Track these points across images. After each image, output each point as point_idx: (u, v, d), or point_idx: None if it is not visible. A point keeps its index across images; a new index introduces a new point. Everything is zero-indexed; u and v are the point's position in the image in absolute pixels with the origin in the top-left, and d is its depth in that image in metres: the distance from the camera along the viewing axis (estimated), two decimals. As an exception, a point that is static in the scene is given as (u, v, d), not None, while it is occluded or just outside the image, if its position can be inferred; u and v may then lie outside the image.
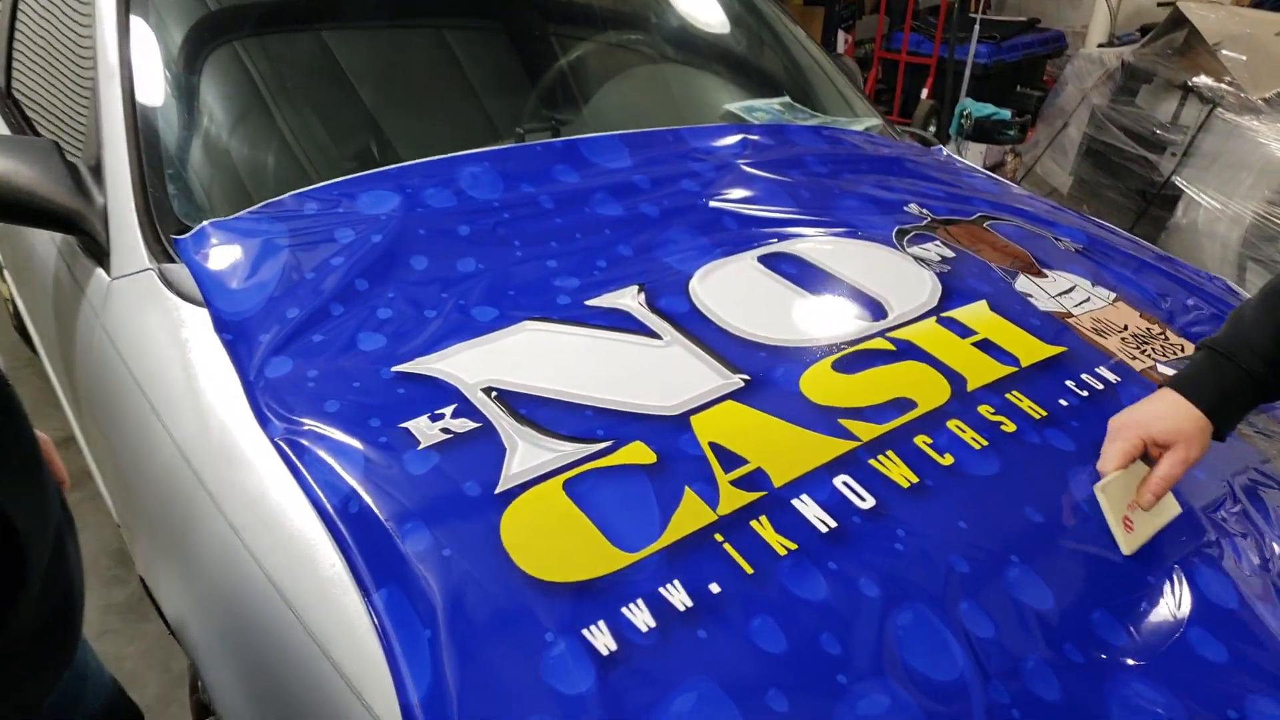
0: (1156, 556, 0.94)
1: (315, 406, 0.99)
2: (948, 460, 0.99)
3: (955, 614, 0.83)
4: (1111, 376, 1.18)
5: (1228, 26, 3.32)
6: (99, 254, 1.32)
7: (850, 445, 0.99)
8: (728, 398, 1.05)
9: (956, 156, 1.99)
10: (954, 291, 1.31)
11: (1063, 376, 1.16)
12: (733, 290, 1.26)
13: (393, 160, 1.44)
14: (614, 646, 0.76)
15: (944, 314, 1.25)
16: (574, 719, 0.72)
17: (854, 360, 1.14)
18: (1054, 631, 0.84)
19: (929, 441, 1.01)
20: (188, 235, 1.26)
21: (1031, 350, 1.20)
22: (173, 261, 1.25)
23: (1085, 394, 1.13)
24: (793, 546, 0.87)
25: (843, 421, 1.03)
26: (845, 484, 0.94)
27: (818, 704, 0.75)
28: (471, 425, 0.97)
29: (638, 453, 0.95)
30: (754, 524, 0.89)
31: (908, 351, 1.16)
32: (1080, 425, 1.08)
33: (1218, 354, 0.96)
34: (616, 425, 0.99)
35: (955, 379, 1.12)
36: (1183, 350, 1.28)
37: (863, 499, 0.93)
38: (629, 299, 1.21)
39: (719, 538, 0.87)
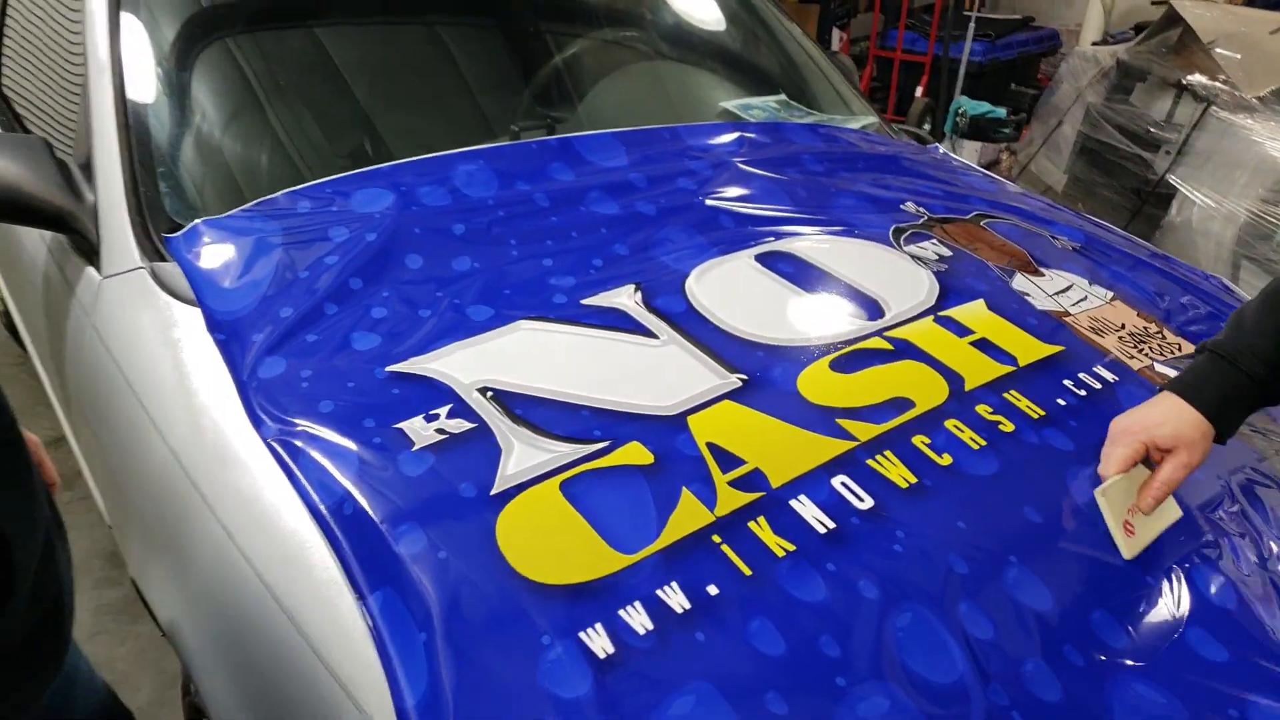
0: (1155, 557, 0.93)
1: (309, 407, 0.98)
2: (946, 460, 0.99)
3: (954, 615, 0.83)
4: (1109, 375, 1.17)
5: (1222, 25, 3.33)
6: (90, 252, 1.31)
7: (848, 445, 0.99)
8: (725, 398, 1.04)
9: (953, 155, 1.99)
10: (951, 290, 1.30)
11: (1060, 376, 1.15)
12: (730, 289, 1.25)
13: (387, 158, 1.43)
14: (611, 649, 0.76)
15: (941, 313, 1.24)
16: (571, 723, 0.71)
17: (851, 360, 1.13)
18: (1053, 632, 0.83)
19: (927, 441, 1.01)
20: (179, 233, 1.25)
21: (1029, 349, 1.19)
22: (164, 260, 1.23)
23: (1083, 393, 1.13)
24: (791, 548, 0.86)
25: (841, 421, 1.02)
26: (843, 484, 0.94)
27: (816, 706, 0.74)
28: (467, 426, 0.97)
29: (634, 453, 0.95)
30: (752, 525, 0.88)
31: (905, 351, 1.16)
32: (1078, 424, 1.07)
33: (1219, 357, 0.95)
34: (613, 425, 0.98)
35: (953, 378, 1.11)
36: (1180, 349, 1.28)
37: (861, 499, 0.93)
38: (625, 298, 1.20)
39: (717, 539, 0.86)
